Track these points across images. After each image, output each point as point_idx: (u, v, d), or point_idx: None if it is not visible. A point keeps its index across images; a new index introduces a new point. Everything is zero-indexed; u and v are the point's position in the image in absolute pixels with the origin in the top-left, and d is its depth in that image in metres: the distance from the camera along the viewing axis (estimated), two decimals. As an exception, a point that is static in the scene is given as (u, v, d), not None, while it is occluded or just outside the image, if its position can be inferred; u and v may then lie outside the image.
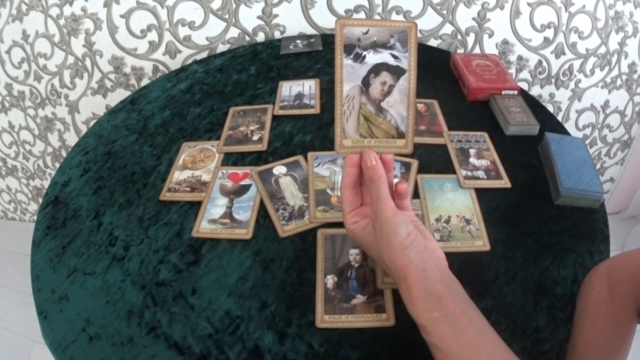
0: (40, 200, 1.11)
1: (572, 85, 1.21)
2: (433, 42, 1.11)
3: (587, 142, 1.35)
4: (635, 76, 1.22)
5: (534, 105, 0.82)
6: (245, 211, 0.63)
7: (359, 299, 0.52)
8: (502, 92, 0.82)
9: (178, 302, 0.53)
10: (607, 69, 1.19)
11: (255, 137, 0.75)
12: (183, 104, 0.86)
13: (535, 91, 1.21)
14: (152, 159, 0.73)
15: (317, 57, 0.98)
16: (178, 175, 0.69)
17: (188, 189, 0.67)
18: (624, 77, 1.22)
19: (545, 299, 0.53)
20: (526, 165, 0.70)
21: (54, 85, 1.20)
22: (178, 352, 0.49)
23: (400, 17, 1.07)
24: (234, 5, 1.04)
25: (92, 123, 1.06)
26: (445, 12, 1.06)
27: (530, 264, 0.57)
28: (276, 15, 1.06)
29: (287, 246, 0.59)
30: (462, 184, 0.66)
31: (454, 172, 0.68)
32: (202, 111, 0.83)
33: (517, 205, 0.64)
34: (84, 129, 1.28)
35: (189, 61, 1.11)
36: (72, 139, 1.32)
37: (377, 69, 0.46)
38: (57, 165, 1.30)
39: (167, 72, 1.11)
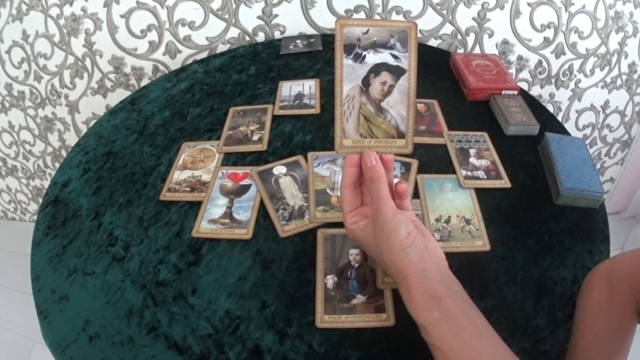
0: (40, 200, 1.11)
1: (572, 85, 1.21)
2: (433, 42, 1.11)
3: (587, 142, 1.35)
4: (635, 76, 1.22)
5: (534, 105, 0.82)
6: (245, 211, 0.63)
7: (359, 299, 0.52)
8: (502, 92, 0.82)
9: (178, 302, 0.53)
10: (607, 69, 1.19)
11: (255, 137, 0.75)
12: (183, 104, 0.86)
13: (535, 91, 1.21)
14: (152, 159, 0.73)
15: (317, 57, 0.98)
16: (178, 175, 0.69)
17: (188, 189, 0.67)
18: (624, 77, 1.22)
19: (545, 299, 0.53)
20: (526, 165, 0.70)
21: (54, 85, 1.20)
22: (178, 352, 0.49)
23: (400, 17, 1.07)
24: (234, 5, 1.04)
25: (92, 123, 1.06)
26: (445, 12, 1.06)
27: (530, 264, 0.57)
28: (276, 15, 1.06)
29: (287, 246, 0.59)
30: (462, 184, 0.66)
31: (454, 172, 0.68)
32: (202, 111, 0.83)
33: (517, 205, 0.64)
34: (84, 129, 1.28)
35: (189, 61, 1.11)
36: (72, 139, 1.32)
37: (377, 69, 0.46)
38: (57, 165, 1.30)
39: (167, 72, 1.11)
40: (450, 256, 0.46)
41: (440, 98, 0.83)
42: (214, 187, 0.67)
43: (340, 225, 0.59)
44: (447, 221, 0.61)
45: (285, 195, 0.65)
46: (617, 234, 1.50)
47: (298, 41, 1.03)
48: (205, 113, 0.83)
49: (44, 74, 1.18)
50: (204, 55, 1.10)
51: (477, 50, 1.12)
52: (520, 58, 1.14)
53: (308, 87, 0.87)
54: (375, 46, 0.46)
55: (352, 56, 0.46)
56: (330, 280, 0.54)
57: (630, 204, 1.52)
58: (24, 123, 1.33)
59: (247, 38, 1.09)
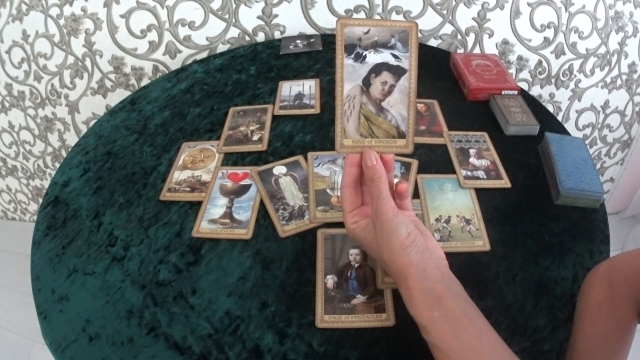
0: (40, 200, 1.11)
1: (572, 85, 1.21)
2: (433, 42, 1.11)
3: (587, 142, 1.35)
4: (635, 76, 1.22)
5: (534, 105, 0.82)
6: (245, 211, 0.63)
7: (359, 299, 0.52)
8: (502, 92, 0.82)
9: (178, 302, 0.53)
10: (607, 69, 1.19)
11: (255, 137, 0.75)
12: (183, 104, 0.86)
13: (535, 91, 1.21)
14: (152, 159, 0.73)
15: (317, 57, 0.98)
16: (178, 175, 0.69)
17: (188, 189, 0.67)
18: (624, 77, 1.22)
19: (545, 299, 0.53)
20: (526, 165, 0.70)
21: (54, 85, 1.20)
22: (178, 352, 0.49)
23: (400, 17, 1.07)
24: (234, 5, 1.04)
25: (92, 123, 1.06)
26: (445, 12, 1.06)
27: (530, 264, 0.57)
28: (276, 15, 1.06)
29: (287, 246, 0.59)
30: (462, 184, 0.66)
31: (454, 172, 0.68)
32: (202, 111, 0.83)
33: (517, 205, 0.64)
34: (84, 129, 1.28)
35: (189, 61, 1.11)
36: (72, 139, 1.32)
37: (377, 68, 0.46)
38: (57, 165, 1.30)
39: (167, 72, 1.12)
40: (450, 256, 0.46)
41: (440, 98, 0.83)
42: (214, 187, 0.67)
43: (340, 225, 0.59)
44: (447, 221, 0.61)
45: (285, 195, 0.65)
46: (617, 234, 1.50)
47: (298, 41, 1.03)
48: (205, 113, 0.83)
49: (44, 74, 1.18)
50: (204, 55, 1.10)
51: (477, 50, 1.12)
52: (520, 58, 1.14)
53: (308, 87, 0.87)
54: (376, 46, 0.46)
55: (352, 56, 0.46)
56: (330, 280, 0.54)
57: (630, 204, 1.52)
58: (24, 123, 1.33)
59: (247, 38, 1.09)
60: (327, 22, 1.08)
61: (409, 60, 0.46)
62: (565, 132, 0.77)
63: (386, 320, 0.50)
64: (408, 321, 0.43)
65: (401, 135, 0.48)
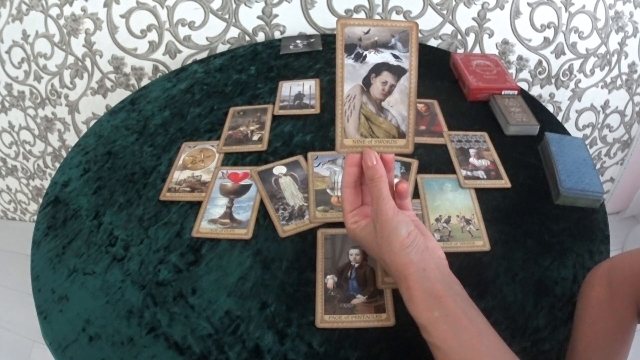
0: (40, 200, 1.11)
1: (572, 85, 1.21)
2: (433, 42, 1.11)
3: (587, 142, 1.35)
4: (635, 76, 1.22)
5: (534, 105, 0.82)
6: (245, 211, 0.63)
7: (359, 299, 0.52)
8: (502, 92, 0.82)
9: (178, 302, 0.53)
10: (607, 69, 1.19)
11: (255, 137, 0.75)
12: (183, 104, 0.86)
13: (535, 91, 1.21)
14: (152, 159, 0.73)
15: (317, 57, 0.98)
16: (178, 175, 0.69)
17: (188, 189, 0.67)
18: (624, 77, 1.22)
19: (545, 299, 0.53)
20: (526, 165, 0.70)
21: (54, 85, 1.20)
22: (178, 352, 0.49)
23: (400, 17, 1.07)
24: (234, 5, 1.04)
25: (92, 123, 1.06)
26: (445, 12, 1.06)
27: (530, 264, 0.57)
28: (276, 15, 1.06)
29: (287, 246, 0.59)
30: (462, 184, 0.66)
31: (454, 172, 0.68)
32: (202, 111, 0.83)
33: (517, 205, 0.64)
34: (84, 129, 1.28)
35: (189, 61, 1.11)
36: (72, 139, 1.32)
37: (378, 68, 0.46)
38: (57, 165, 1.30)
39: (167, 72, 1.12)
40: (450, 256, 0.46)
41: (440, 98, 0.83)
42: (214, 187, 0.67)
43: (340, 225, 0.59)
44: (447, 221, 0.61)
45: (285, 195, 0.65)
46: (617, 234, 1.50)
47: (298, 41, 1.03)
48: (205, 113, 0.83)
49: (44, 74, 1.18)
50: (204, 55, 1.10)
51: (477, 50, 1.12)
52: (520, 58, 1.14)
53: (308, 87, 0.87)
54: (376, 46, 0.46)
55: (353, 56, 0.46)
56: (330, 280, 0.54)
57: (630, 204, 1.52)
58: (24, 123, 1.33)
59: (247, 38, 1.09)
60: (327, 22, 1.08)
61: (409, 60, 0.46)
62: (565, 132, 0.77)
63: (386, 320, 0.50)
64: (408, 321, 0.43)
65: (401, 135, 0.48)
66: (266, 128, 0.77)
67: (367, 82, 0.47)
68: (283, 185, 0.67)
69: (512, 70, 1.16)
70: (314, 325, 0.50)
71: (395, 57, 0.46)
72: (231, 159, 0.72)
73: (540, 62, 1.15)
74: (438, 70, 0.92)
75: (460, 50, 1.12)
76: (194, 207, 0.64)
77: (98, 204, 0.66)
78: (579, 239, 0.60)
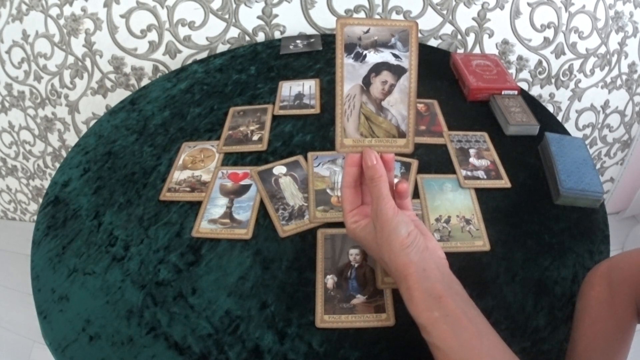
0: (40, 200, 1.11)
1: (572, 85, 1.21)
2: (433, 42, 1.11)
3: (587, 142, 1.35)
4: (635, 76, 1.22)
5: (534, 105, 0.82)
6: (245, 211, 0.63)
7: (359, 299, 0.52)
8: (502, 92, 0.82)
9: (178, 302, 0.53)
10: (607, 69, 1.19)
11: (255, 137, 0.75)
12: (183, 104, 0.86)
13: (535, 91, 1.21)
14: (152, 159, 0.73)
15: (317, 57, 0.98)
16: (178, 175, 0.69)
17: (188, 189, 0.67)
18: (624, 77, 1.22)
19: (545, 299, 0.53)
20: (526, 165, 0.70)
21: (54, 85, 1.20)
22: (178, 352, 0.49)
23: (400, 17, 1.07)
24: (234, 5, 1.04)
25: (92, 123, 1.06)
26: (445, 12, 1.06)
27: (530, 264, 0.57)
28: (276, 15, 1.06)
29: (287, 246, 0.59)
30: (462, 184, 0.66)
31: (454, 172, 0.68)
32: (202, 111, 0.83)
33: (517, 205, 0.64)
34: (84, 129, 1.28)
35: (189, 61, 1.11)
36: (72, 139, 1.32)
37: (377, 68, 0.46)
38: (57, 165, 1.30)
39: (167, 72, 1.12)
40: (450, 256, 0.46)
41: (440, 98, 0.83)
42: (214, 187, 0.67)
43: (340, 225, 0.59)
44: (447, 221, 0.61)
45: (285, 195, 0.65)
46: (617, 234, 1.50)
47: (298, 41, 1.03)
48: (205, 113, 0.83)
49: (44, 74, 1.18)
50: (204, 55, 1.10)
51: (477, 50, 1.12)
52: (520, 58, 1.14)
53: (308, 87, 0.87)
54: (376, 45, 0.46)
55: (352, 55, 0.46)
56: (330, 280, 0.54)
57: (630, 204, 1.52)
58: (24, 123, 1.33)
59: (247, 38, 1.09)
60: (327, 22, 1.08)
61: (409, 60, 0.46)
62: (565, 132, 0.77)
63: (386, 320, 0.50)
64: (408, 321, 0.43)
65: (401, 134, 0.48)
66: (266, 128, 0.77)
67: (366, 82, 0.47)
68: (283, 185, 0.67)
69: (512, 70, 1.16)
70: (314, 325, 0.50)
71: (395, 56, 0.46)
72: (231, 159, 0.72)
73: (540, 62, 1.15)
74: (438, 70, 0.92)
75: (460, 50, 1.12)
76: (194, 207, 0.64)
77: (98, 204, 0.66)
78: (579, 239, 0.60)
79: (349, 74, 0.46)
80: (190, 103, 0.86)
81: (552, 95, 1.23)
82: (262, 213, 0.63)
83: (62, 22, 1.07)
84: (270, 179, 0.68)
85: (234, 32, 1.08)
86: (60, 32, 1.09)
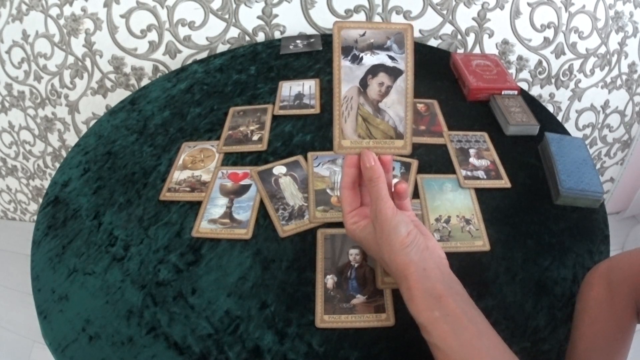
0: (40, 200, 1.11)
1: (572, 85, 1.21)
2: (433, 42, 1.11)
3: (587, 142, 1.35)
4: (635, 76, 1.22)
5: (534, 105, 0.82)
6: (245, 211, 0.63)
7: (359, 299, 0.52)
8: (502, 92, 0.82)
9: (178, 302, 0.53)
10: (607, 69, 1.19)
11: (255, 137, 0.75)
12: (183, 104, 0.86)
13: (535, 91, 1.21)
14: (152, 159, 0.73)
15: (317, 57, 0.98)
16: (178, 175, 0.69)
17: (188, 189, 0.67)
18: (624, 77, 1.22)
19: (545, 299, 0.53)
20: (526, 165, 0.70)
21: (54, 85, 1.20)
22: (178, 352, 0.49)
23: (400, 17, 1.07)
24: (234, 5, 1.04)
25: (92, 123, 1.06)
26: (445, 12, 1.06)
27: (530, 264, 0.57)
28: (276, 15, 1.06)
29: (287, 246, 0.59)
30: (462, 184, 0.66)
31: (454, 172, 0.68)
32: (202, 111, 0.83)
33: (517, 205, 0.64)
34: (84, 129, 1.28)
35: (189, 61, 1.11)
36: (72, 139, 1.32)
37: (374, 70, 0.47)
38: (57, 165, 1.30)
39: (167, 72, 1.12)
40: (450, 256, 0.46)
41: (440, 98, 0.83)
42: (214, 187, 0.67)
43: (340, 225, 0.58)
44: (447, 221, 0.61)
45: (285, 195, 0.65)
46: (617, 234, 1.50)
47: (298, 41, 1.03)
48: (205, 113, 0.83)
49: (44, 74, 1.18)
50: (204, 55, 1.10)
51: (477, 50, 1.12)
52: (520, 58, 1.14)
53: (308, 87, 0.87)
54: (372, 48, 0.46)
55: (349, 58, 0.46)
56: (330, 280, 0.54)
57: (630, 204, 1.52)
58: (24, 123, 1.33)
59: (247, 38, 1.09)
60: (327, 22, 1.08)
61: (405, 62, 0.47)
62: (565, 132, 0.77)
63: (386, 320, 0.50)
64: (408, 321, 0.43)
65: (399, 136, 0.48)
66: (266, 128, 0.77)
67: (363, 84, 0.47)
68: (283, 185, 0.67)
69: (512, 70, 1.16)
70: (314, 325, 0.50)
71: (391, 58, 0.46)
72: (231, 159, 0.72)
73: (540, 62, 1.15)
74: (438, 70, 0.92)
75: (460, 50, 1.12)
76: (194, 207, 0.64)
77: (98, 204, 0.66)
78: (579, 239, 0.60)
79: (346, 76, 0.47)
80: (190, 103, 0.86)
81: (552, 95, 1.23)
82: (262, 213, 0.63)
83: (62, 22, 1.07)
84: (270, 179, 0.68)
85: (234, 32, 1.08)
86: (60, 32, 1.09)
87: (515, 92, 0.82)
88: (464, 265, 0.56)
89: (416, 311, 0.41)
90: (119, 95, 1.18)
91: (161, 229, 0.62)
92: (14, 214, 1.68)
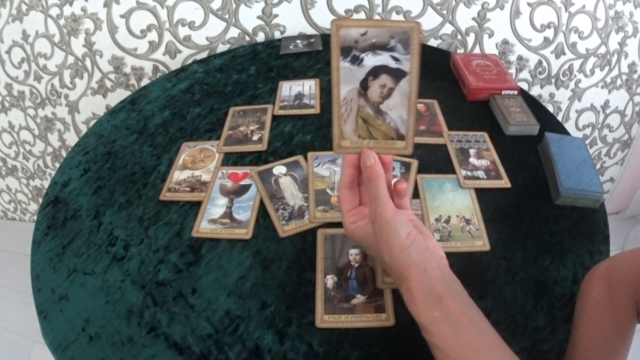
0: (40, 200, 1.11)
1: (572, 85, 1.21)
2: (433, 42, 1.11)
3: (587, 142, 1.35)
4: (635, 76, 1.22)
5: (534, 105, 0.82)
6: (245, 211, 0.63)
7: (359, 299, 0.52)
8: (502, 92, 0.82)
9: (178, 302, 0.53)
10: (607, 69, 1.19)
11: (255, 137, 0.75)
12: (183, 104, 0.86)
13: (535, 91, 1.21)
14: (152, 159, 0.73)
15: (317, 57, 0.98)
16: (178, 175, 0.69)
17: (188, 189, 0.67)
18: (624, 77, 1.22)
19: (545, 299, 0.53)
20: (526, 165, 0.70)
21: (54, 85, 1.20)
22: (178, 352, 0.49)
23: (400, 17, 1.07)
24: (234, 5, 1.04)
25: (92, 123, 1.06)
26: (445, 12, 1.06)
27: (530, 264, 0.57)
28: (276, 15, 1.06)
29: (287, 246, 0.59)
30: (462, 184, 0.66)
31: (454, 172, 0.68)
32: (202, 111, 0.83)
33: (517, 205, 0.64)
34: (84, 129, 1.28)
35: (189, 61, 1.11)
36: (72, 139, 1.32)
37: (376, 71, 0.45)
38: (57, 165, 1.30)
39: (167, 72, 1.12)
40: (450, 256, 0.46)
41: (440, 98, 0.83)
42: (214, 187, 0.67)
43: (340, 225, 0.58)
44: (447, 221, 0.61)
45: (285, 195, 0.65)
46: (617, 234, 1.50)
47: (298, 41, 1.03)
48: (205, 113, 0.83)
49: (44, 74, 1.18)
50: (204, 55, 1.10)
51: (477, 50, 1.12)
52: (520, 58, 1.14)
53: (308, 87, 0.87)
54: (374, 48, 0.44)
55: (349, 59, 0.44)
56: (330, 280, 0.54)
57: (630, 204, 1.52)
58: (24, 123, 1.33)
59: (247, 38, 1.09)
60: (327, 22, 1.08)
61: (409, 63, 0.44)
62: (565, 132, 0.77)
63: (386, 320, 0.50)
64: (408, 321, 0.43)
65: (400, 137, 0.47)
66: (266, 128, 0.77)
67: (364, 85, 0.45)
68: (283, 185, 0.67)
69: (512, 70, 1.16)
70: (314, 325, 0.50)
71: (395, 59, 0.44)
72: (231, 159, 0.72)
73: (540, 62, 1.15)
74: (438, 70, 0.92)
75: (460, 50, 1.12)
76: (194, 207, 0.64)
77: (98, 204, 0.66)
78: (579, 239, 0.60)
79: (346, 77, 0.45)
80: (190, 103, 0.86)
81: (552, 95, 1.23)
82: (262, 213, 0.63)
83: (62, 22, 1.07)
84: (270, 179, 0.68)
85: (234, 32, 1.08)
86: (60, 32, 1.09)
87: (515, 92, 0.82)
88: (464, 265, 0.56)
89: (416, 311, 0.41)
90: (119, 95, 1.18)
91: (161, 229, 0.62)
92: (14, 214, 1.68)
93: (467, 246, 0.58)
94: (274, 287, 0.55)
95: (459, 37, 1.10)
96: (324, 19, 1.07)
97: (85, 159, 0.74)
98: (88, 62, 1.13)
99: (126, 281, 0.55)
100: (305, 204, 0.64)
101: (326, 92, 0.86)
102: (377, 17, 1.07)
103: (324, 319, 0.51)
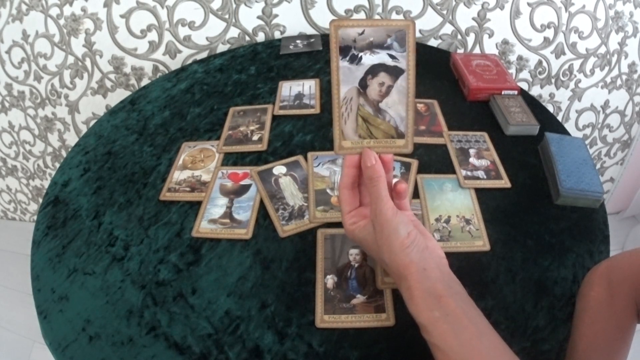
0: (40, 200, 1.11)
1: (572, 85, 1.21)
2: (433, 42, 1.11)
3: (587, 142, 1.35)
4: (635, 76, 1.22)
5: (534, 105, 0.82)
6: (245, 211, 0.63)
7: (359, 299, 0.52)
8: (502, 92, 0.82)
9: (178, 302, 0.53)
10: (607, 69, 1.19)
11: (255, 137, 0.75)
12: (183, 104, 0.86)
13: (535, 91, 1.21)
14: (152, 159, 0.73)
15: (317, 57, 0.98)
16: (178, 175, 0.69)
17: (188, 189, 0.67)
18: (624, 77, 1.22)
19: (545, 299, 0.53)
20: (526, 165, 0.70)
21: (54, 85, 1.20)
22: (178, 352, 0.49)
23: (400, 17, 1.07)
24: (234, 5, 1.04)
25: (92, 123, 1.06)
26: (445, 12, 1.06)
27: (530, 264, 0.57)
28: (276, 15, 1.06)
29: (287, 246, 0.59)
30: (462, 184, 0.66)
31: (454, 172, 0.68)
32: (202, 111, 0.83)
33: (517, 205, 0.64)
34: (84, 129, 1.28)
35: (189, 61, 1.11)
36: (72, 139, 1.32)
37: (374, 70, 0.46)
38: (57, 165, 1.30)
39: (167, 72, 1.12)
40: (450, 256, 0.46)
41: (440, 98, 0.83)
42: (214, 187, 0.67)
43: (340, 225, 0.58)
44: (447, 221, 0.61)
45: (285, 195, 0.65)
46: (617, 234, 1.50)
47: (298, 41, 1.03)
48: (205, 113, 0.83)
49: (44, 74, 1.18)
50: (204, 55, 1.10)
51: (477, 50, 1.12)
52: (520, 58, 1.14)
53: (308, 87, 0.87)
54: (372, 47, 0.45)
55: (348, 58, 0.45)
56: (330, 280, 0.54)
57: (630, 204, 1.52)
58: (24, 123, 1.33)
59: (247, 38, 1.09)
60: (327, 22, 1.07)
61: (406, 60, 0.45)
62: (565, 132, 0.77)
63: (386, 320, 0.50)
64: (408, 321, 0.43)
65: (400, 135, 0.47)
66: (266, 128, 0.77)
67: (363, 84, 0.46)
68: (283, 185, 0.67)
69: (512, 70, 1.16)
70: (314, 325, 0.50)
71: (392, 57, 0.45)
72: (231, 159, 0.72)
73: (540, 62, 1.15)
74: (438, 70, 0.92)
75: (460, 50, 1.12)
76: (194, 207, 0.64)
77: (98, 204, 0.66)
78: (579, 239, 0.60)
79: (345, 77, 0.46)
80: (190, 103, 0.86)
81: (552, 95, 1.23)
82: (262, 213, 0.63)
83: (62, 22, 1.07)
84: (270, 179, 0.68)
85: (234, 32, 1.08)
86: (60, 32, 1.09)
87: (515, 92, 0.82)
88: (464, 265, 0.56)
89: (416, 311, 0.41)
90: (119, 95, 1.18)
91: (161, 229, 0.62)
92: (14, 214, 1.68)
93: (467, 246, 0.58)
94: (274, 287, 0.55)
95: (459, 37, 1.10)
96: (324, 19, 1.07)
97: (85, 159, 0.74)
98: (88, 62, 1.13)
99: (126, 281, 0.55)
100: (305, 204, 0.64)
101: (326, 92, 0.86)
102: (377, 17, 1.07)
103: (324, 319, 0.51)
